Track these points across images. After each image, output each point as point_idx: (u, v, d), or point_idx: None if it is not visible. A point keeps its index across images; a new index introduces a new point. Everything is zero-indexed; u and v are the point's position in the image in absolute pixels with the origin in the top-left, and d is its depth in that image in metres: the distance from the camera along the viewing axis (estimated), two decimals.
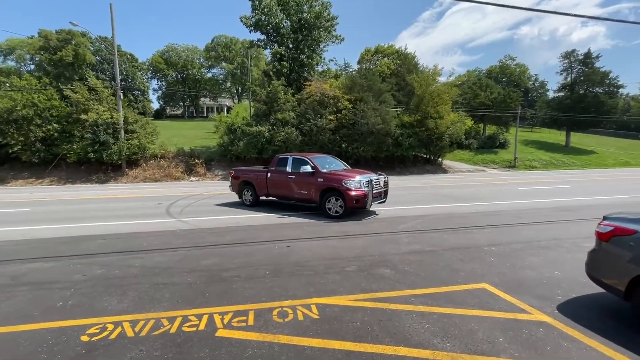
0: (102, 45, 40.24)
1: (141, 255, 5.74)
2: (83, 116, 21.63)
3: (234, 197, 12.08)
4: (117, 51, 25.31)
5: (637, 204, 10.89)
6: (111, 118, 22.16)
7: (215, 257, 5.57)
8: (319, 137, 23.80)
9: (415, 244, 6.21)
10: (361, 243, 6.37)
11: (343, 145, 24.23)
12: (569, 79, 43.65)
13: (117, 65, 23.53)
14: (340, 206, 8.58)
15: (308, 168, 9.16)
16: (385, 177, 9.51)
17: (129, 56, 49.67)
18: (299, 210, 9.77)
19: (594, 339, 3.01)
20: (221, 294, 4.04)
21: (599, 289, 3.66)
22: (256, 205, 10.51)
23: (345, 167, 10.30)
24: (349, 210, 8.59)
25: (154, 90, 63.13)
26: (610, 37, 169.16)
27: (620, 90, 44.40)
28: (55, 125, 22.11)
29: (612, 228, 3.46)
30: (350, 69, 37.11)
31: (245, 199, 10.74)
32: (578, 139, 46.59)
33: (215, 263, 5.25)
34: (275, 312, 3.53)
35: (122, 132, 22.44)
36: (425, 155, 28.46)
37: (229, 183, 11.66)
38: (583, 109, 40.35)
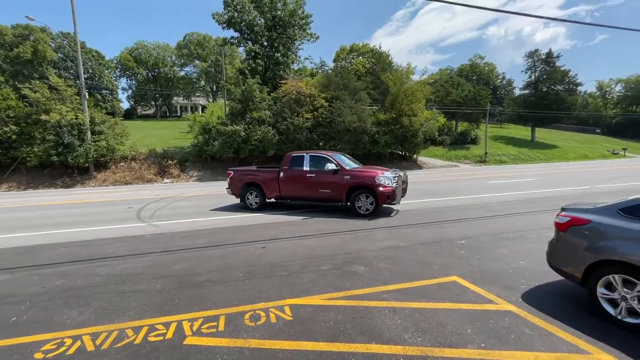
0: (65, 42, 37.99)
1: (107, 263, 5.45)
2: (44, 117, 20.33)
3: (210, 199, 11.79)
4: (82, 48, 23.98)
5: (594, 194, 11.64)
6: (76, 119, 21.00)
7: (187, 261, 5.39)
8: (296, 135, 23.70)
9: (390, 240, 6.30)
10: (337, 241, 6.38)
11: (320, 144, 24.27)
12: (533, 77, 46.04)
13: (81, 62, 22.26)
14: (370, 204, 8.43)
15: (332, 166, 8.88)
16: (404, 174, 9.36)
17: (94, 53, 47.29)
18: (278, 210, 9.66)
19: (554, 324, 3.17)
20: (191, 300, 3.90)
21: (560, 277, 3.86)
22: (263, 208, 9.83)
23: (360, 165, 10.06)
24: (379, 207, 8.52)
25: (123, 89, 60.58)
26: (569, 38, 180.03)
27: (579, 87, 47.33)
28: (12, 126, 20.64)
29: (569, 219, 3.65)
30: (326, 68, 37.21)
31: (250, 202, 9.89)
32: (542, 134, 49.21)
33: (186, 268, 5.08)
34: (247, 316, 3.45)
35: (89, 133, 21.33)
36: (400, 152, 29.05)
37: (205, 184, 11.33)
38: (546, 105, 42.69)
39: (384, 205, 8.95)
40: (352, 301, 3.76)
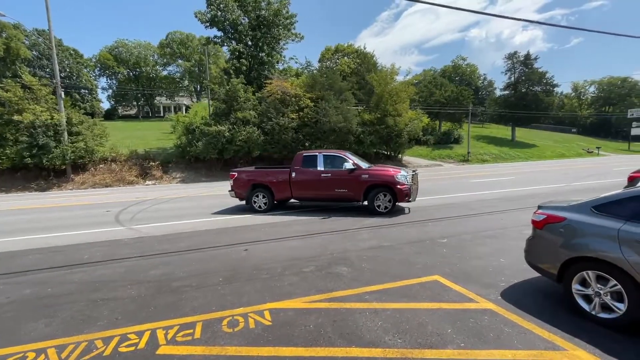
0: (39, 39, 36.55)
1: (82, 269, 5.22)
2: (16, 117, 19.47)
3: (194, 200, 11.54)
4: (58, 46, 23.10)
5: (569, 191, 12.02)
6: (51, 119, 20.18)
7: (165, 266, 5.22)
8: (282, 136, 23.52)
9: (373, 240, 6.29)
10: (321, 241, 6.33)
11: (306, 144, 24.18)
12: (512, 78, 47.35)
13: (56, 60, 21.41)
14: (389, 202, 8.56)
15: (349, 165, 8.86)
16: (415, 172, 9.31)
17: (72, 52, 45.61)
18: (258, 211, 9.51)
19: (532, 322, 3.20)
20: (168, 306, 3.76)
21: (537, 274, 3.91)
22: (271, 210, 9.53)
23: (370, 164, 9.92)
24: (397, 205, 8.65)
25: (103, 89, 58.78)
26: (546, 41, 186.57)
27: (556, 89, 49.01)
28: None
29: (545, 216, 3.71)
30: (312, 68, 37.15)
31: (258, 205, 9.51)
32: (522, 133, 50.65)
33: (165, 273, 4.91)
34: (225, 322, 3.35)
35: (65, 134, 20.55)
36: (386, 152, 29.29)
37: (188, 186, 11.03)
38: (525, 106, 44.00)
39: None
40: (333, 303, 3.71)
